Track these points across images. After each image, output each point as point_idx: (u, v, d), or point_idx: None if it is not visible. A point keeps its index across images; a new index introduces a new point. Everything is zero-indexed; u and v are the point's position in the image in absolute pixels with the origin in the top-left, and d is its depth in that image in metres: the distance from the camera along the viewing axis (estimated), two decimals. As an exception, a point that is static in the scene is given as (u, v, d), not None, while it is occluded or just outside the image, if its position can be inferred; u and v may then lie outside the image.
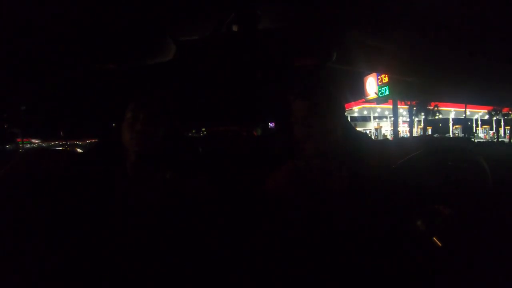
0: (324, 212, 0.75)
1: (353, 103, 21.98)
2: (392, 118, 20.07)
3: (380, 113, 24.52)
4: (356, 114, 24.28)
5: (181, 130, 0.99)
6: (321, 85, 0.84)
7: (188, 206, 0.80)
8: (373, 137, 18.40)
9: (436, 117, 22.21)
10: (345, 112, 0.90)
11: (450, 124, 24.36)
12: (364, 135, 1.12)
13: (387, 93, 15.53)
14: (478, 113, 24.73)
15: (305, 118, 0.79)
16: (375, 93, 16.18)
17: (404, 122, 24.32)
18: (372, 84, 16.39)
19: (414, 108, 21.20)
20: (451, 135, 23.03)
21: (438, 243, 0.64)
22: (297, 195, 0.79)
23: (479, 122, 25.42)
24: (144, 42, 0.95)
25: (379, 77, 15.47)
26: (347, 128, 0.88)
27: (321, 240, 0.73)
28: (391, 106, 18.85)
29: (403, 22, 0.83)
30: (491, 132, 24.71)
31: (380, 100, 16.55)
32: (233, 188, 1.00)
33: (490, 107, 21.78)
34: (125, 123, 0.84)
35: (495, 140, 21.45)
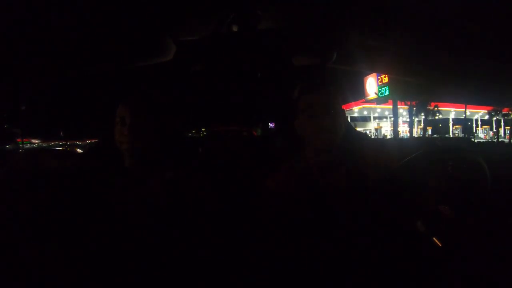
0: (324, 209, 0.75)
1: (353, 103, 21.99)
2: (392, 118, 20.08)
3: (380, 113, 24.53)
4: (356, 114, 24.28)
5: (181, 131, 0.99)
6: (326, 83, 0.85)
7: (188, 206, 0.80)
8: (373, 137, 18.40)
9: (436, 117, 22.21)
10: (344, 110, 0.91)
11: (450, 124, 24.37)
12: (363, 135, 1.12)
13: (387, 93, 15.54)
14: (478, 113, 24.74)
15: (315, 114, 0.80)
16: (375, 93, 16.19)
17: (404, 122, 24.33)
18: (372, 84, 16.40)
19: (414, 108, 21.20)
20: (451, 135, 23.03)
21: (438, 243, 0.64)
22: (297, 193, 0.80)
23: (479, 122, 25.43)
24: (144, 42, 0.95)
25: (379, 77, 15.48)
26: (348, 126, 0.89)
27: (321, 238, 0.73)
28: (391, 106, 18.86)
29: (403, 22, 0.83)
30: (491, 132, 24.72)
31: (380, 100, 16.56)
32: (234, 187, 1.01)
33: (490, 107, 21.79)
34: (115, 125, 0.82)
35: (495, 140, 21.44)
